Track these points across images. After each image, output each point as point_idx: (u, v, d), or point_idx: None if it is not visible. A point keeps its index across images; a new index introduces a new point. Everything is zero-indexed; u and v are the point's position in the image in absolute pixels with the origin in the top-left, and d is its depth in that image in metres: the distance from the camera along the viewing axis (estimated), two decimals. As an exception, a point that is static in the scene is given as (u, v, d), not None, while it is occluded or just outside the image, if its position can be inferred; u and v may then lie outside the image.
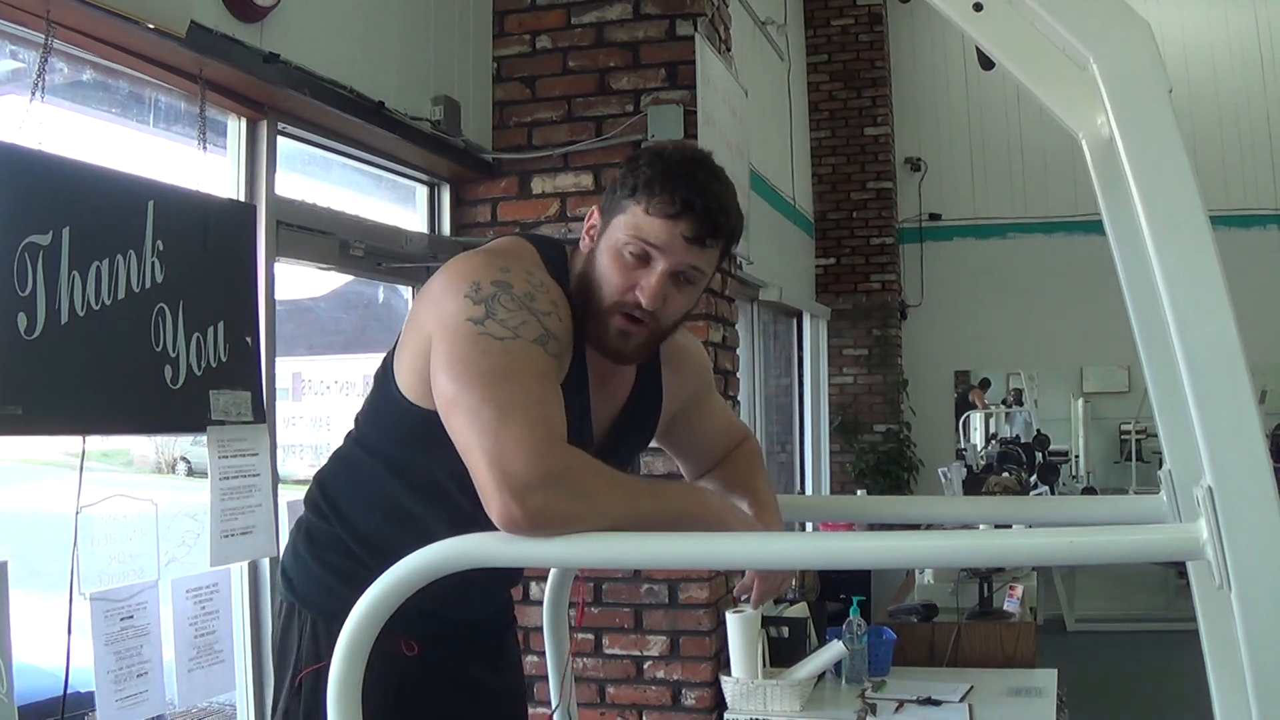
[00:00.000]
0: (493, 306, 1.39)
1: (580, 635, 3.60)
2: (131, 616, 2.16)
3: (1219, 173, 7.19)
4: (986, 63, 1.38)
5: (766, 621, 3.57)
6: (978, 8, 1.18)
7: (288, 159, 2.93)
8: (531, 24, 3.80)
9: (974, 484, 6.36)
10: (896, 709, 3.31)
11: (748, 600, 1.67)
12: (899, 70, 7.89)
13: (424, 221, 3.76)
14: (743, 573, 1.61)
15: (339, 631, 1.27)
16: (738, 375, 4.10)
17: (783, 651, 3.55)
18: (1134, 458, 7.89)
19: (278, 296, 2.74)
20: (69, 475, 2.06)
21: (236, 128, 2.70)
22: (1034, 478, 7.57)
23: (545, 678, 1.96)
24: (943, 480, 5.90)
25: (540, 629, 1.96)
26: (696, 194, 1.45)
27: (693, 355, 1.79)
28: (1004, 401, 8.47)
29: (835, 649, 3.42)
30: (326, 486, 1.69)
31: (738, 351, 4.17)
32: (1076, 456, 8.26)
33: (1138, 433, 7.91)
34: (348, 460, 1.68)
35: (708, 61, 3.71)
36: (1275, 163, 7.43)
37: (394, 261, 3.45)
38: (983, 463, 7.86)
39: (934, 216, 7.91)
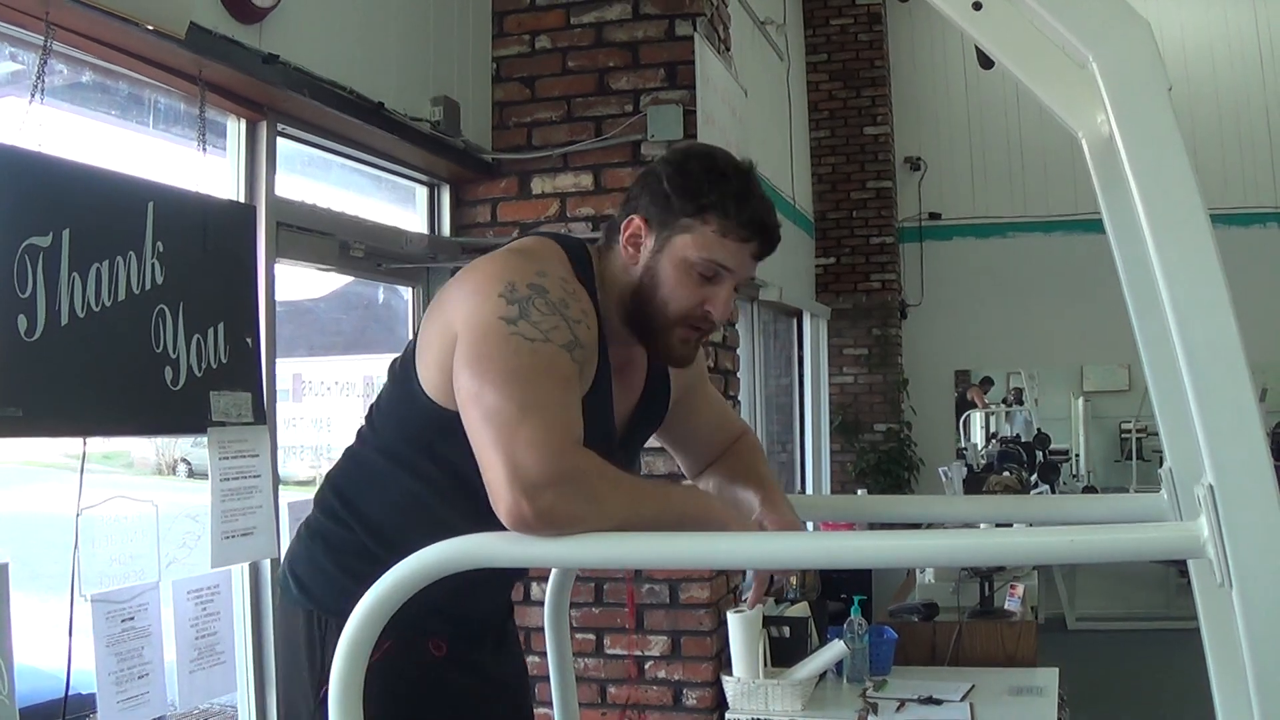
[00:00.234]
0: (526, 308, 1.40)
1: (581, 635, 3.60)
2: (132, 618, 2.16)
3: (1219, 171, 7.18)
4: (986, 62, 1.38)
5: (768, 621, 3.57)
6: (977, 6, 1.18)
7: (287, 160, 2.93)
8: (531, 24, 3.81)
9: (974, 483, 6.36)
10: (898, 708, 3.31)
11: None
12: (898, 70, 7.89)
13: (424, 222, 3.76)
14: (743, 575, 1.62)
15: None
16: (738, 375, 4.10)
17: (784, 651, 3.55)
18: (1134, 456, 7.90)
19: (278, 297, 2.74)
20: (70, 477, 2.06)
21: (236, 129, 2.70)
22: (1034, 477, 7.58)
23: (546, 678, 1.96)
24: (943, 479, 5.90)
25: (541, 629, 1.96)
26: (765, 214, 1.53)
27: None
28: (1004, 400, 8.47)
29: (836, 648, 3.42)
30: (342, 488, 1.66)
31: (738, 351, 4.17)
32: (1077, 455, 8.26)
33: (1138, 431, 7.91)
34: (364, 461, 1.65)
35: (707, 61, 3.71)
36: (1275, 161, 7.42)
37: (394, 262, 3.45)
38: (983, 462, 7.86)
39: (934, 216, 7.91)
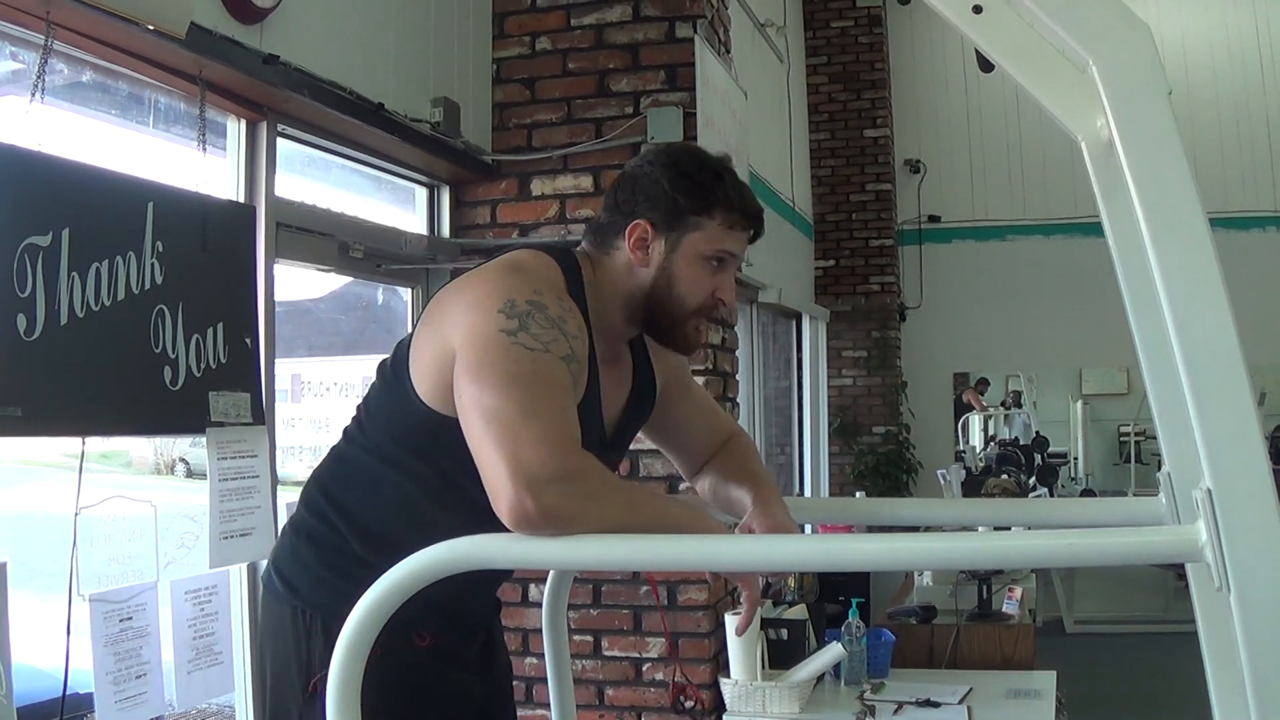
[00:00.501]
0: (526, 322, 1.46)
1: (579, 637, 3.60)
2: (131, 618, 2.16)
3: (1218, 175, 7.18)
4: (986, 65, 1.38)
5: (765, 623, 3.57)
6: (977, 10, 1.18)
7: (287, 160, 2.93)
8: (531, 25, 3.81)
9: (973, 486, 6.35)
10: (895, 711, 3.31)
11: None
12: (898, 72, 7.89)
13: (423, 223, 3.76)
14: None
15: None
16: (737, 377, 4.09)
17: (782, 653, 3.55)
18: (1133, 460, 7.90)
19: (277, 298, 2.74)
20: (68, 476, 2.06)
21: (236, 129, 2.70)
22: (1033, 480, 7.58)
23: (544, 679, 1.96)
24: (942, 482, 5.89)
25: (539, 630, 1.96)
26: (755, 204, 1.69)
27: None
28: (1003, 403, 8.47)
29: (834, 651, 3.42)
30: (329, 487, 1.69)
31: (737, 354, 4.16)
32: (1075, 459, 8.25)
33: (1137, 435, 7.91)
34: (352, 460, 1.68)
35: (707, 63, 3.72)
36: (1274, 165, 7.42)
37: (393, 263, 3.45)
38: (982, 465, 7.85)
39: (933, 218, 7.90)
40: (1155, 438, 1.39)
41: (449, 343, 1.50)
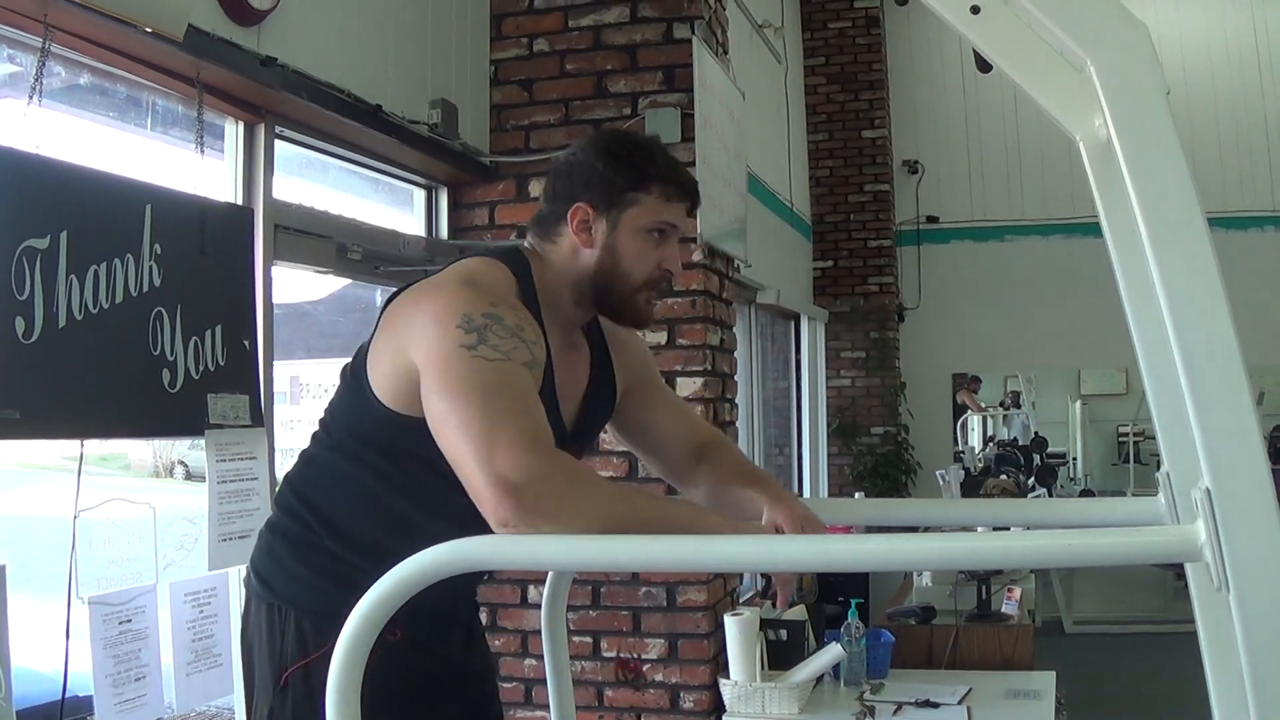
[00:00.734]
0: (485, 335, 1.49)
1: (578, 638, 3.60)
2: (130, 620, 2.16)
3: (1216, 175, 7.19)
4: (984, 65, 1.38)
5: (765, 624, 3.57)
6: (975, 10, 1.18)
7: (285, 162, 2.93)
8: (529, 27, 3.81)
9: (972, 486, 6.35)
10: (895, 711, 3.31)
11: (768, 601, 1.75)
12: (896, 73, 7.89)
13: (422, 225, 3.76)
14: (740, 579, 1.65)
15: (328, 627, 1.31)
16: (735, 378, 4.09)
17: (781, 654, 3.55)
18: (1132, 460, 7.90)
19: (275, 300, 2.74)
20: (67, 479, 2.06)
21: (234, 131, 2.70)
22: (1032, 480, 7.58)
23: (544, 681, 1.96)
24: (940, 483, 5.89)
25: (538, 631, 1.96)
26: (690, 176, 1.74)
27: (634, 340, 1.92)
28: (1002, 404, 8.48)
29: (833, 651, 3.42)
30: (299, 487, 1.74)
31: (735, 354, 4.16)
32: (1074, 459, 8.26)
33: (1135, 435, 7.92)
34: (321, 463, 1.73)
35: (705, 64, 3.72)
36: (1272, 165, 7.43)
37: (392, 265, 3.45)
38: (980, 465, 7.86)
39: (931, 219, 7.91)
40: (1154, 438, 1.38)
41: (406, 353, 1.54)
